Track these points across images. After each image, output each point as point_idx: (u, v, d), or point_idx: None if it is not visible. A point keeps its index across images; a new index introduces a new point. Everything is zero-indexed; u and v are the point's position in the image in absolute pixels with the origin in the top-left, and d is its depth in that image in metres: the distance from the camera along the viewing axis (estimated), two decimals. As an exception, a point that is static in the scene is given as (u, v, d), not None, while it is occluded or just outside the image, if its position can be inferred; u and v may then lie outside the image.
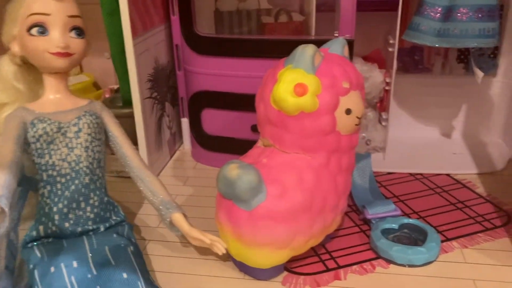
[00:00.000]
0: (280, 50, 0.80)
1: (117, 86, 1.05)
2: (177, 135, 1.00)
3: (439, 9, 0.79)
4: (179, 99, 0.97)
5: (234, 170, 0.56)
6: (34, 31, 0.57)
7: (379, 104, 0.94)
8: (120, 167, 0.80)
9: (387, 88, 0.89)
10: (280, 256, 0.59)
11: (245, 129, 0.87)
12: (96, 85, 1.13)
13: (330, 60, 0.60)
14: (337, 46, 0.63)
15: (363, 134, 0.92)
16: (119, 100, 0.93)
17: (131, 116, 0.83)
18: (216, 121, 0.90)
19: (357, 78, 0.61)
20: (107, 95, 1.03)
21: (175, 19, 0.89)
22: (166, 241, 0.70)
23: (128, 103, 0.91)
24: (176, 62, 0.93)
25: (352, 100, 0.59)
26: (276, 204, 0.57)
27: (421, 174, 0.87)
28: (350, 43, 0.77)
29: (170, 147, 0.96)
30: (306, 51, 0.57)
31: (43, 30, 0.57)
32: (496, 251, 0.66)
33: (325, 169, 0.59)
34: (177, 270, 0.64)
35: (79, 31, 0.60)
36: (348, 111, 0.59)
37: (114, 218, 0.64)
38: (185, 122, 0.98)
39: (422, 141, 0.97)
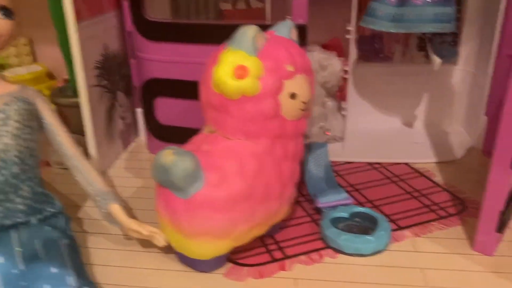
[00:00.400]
0: (230, 34, 0.78)
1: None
2: (132, 127, 0.97)
3: (395, -7, 0.77)
4: (132, 88, 0.93)
5: (169, 156, 0.53)
6: (-45, 9, 0.54)
7: (339, 93, 0.92)
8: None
9: (346, 77, 0.87)
10: (220, 247, 0.57)
11: (200, 118, 0.84)
12: (50, 75, 1.09)
13: (274, 42, 0.57)
14: (284, 29, 0.61)
15: (322, 124, 0.90)
16: (70, 90, 0.90)
17: (79, 106, 0.79)
18: (169, 110, 0.87)
19: (303, 61, 0.59)
20: (60, 85, 0.99)
21: (126, 4, 0.85)
22: (109, 234, 0.67)
23: (78, 92, 0.87)
24: (129, 50, 0.90)
25: (298, 84, 0.57)
26: (214, 192, 0.54)
27: (379, 163, 0.86)
28: (303, 28, 0.75)
29: (123, 138, 0.93)
30: (247, 32, 0.54)
31: None
32: (448, 239, 0.64)
33: (268, 155, 0.57)
34: (116, 263, 0.61)
35: (7, 12, 0.56)
36: (293, 96, 0.56)
37: (48, 209, 0.60)
38: (139, 112, 0.95)
39: (383, 131, 0.96)
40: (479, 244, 0.61)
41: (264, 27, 0.75)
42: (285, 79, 0.55)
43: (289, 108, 0.56)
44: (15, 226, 0.57)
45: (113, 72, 0.87)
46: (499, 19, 0.80)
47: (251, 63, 0.53)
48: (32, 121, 0.59)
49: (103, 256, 0.62)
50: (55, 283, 0.49)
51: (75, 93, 0.88)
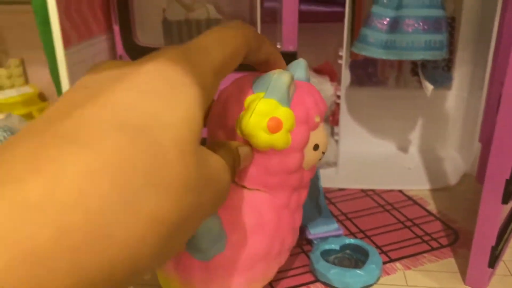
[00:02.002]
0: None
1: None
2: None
3: (386, 20, 0.77)
4: (125, 112, 0.93)
5: None
6: None
7: (331, 118, 0.91)
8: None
9: (338, 101, 0.87)
10: None
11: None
12: (42, 97, 1.08)
13: (301, 89, 0.52)
14: (300, 70, 0.55)
15: (314, 149, 0.89)
16: (60, 113, 0.89)
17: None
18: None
19: (325, 108, 0.54)
20: (50, 108, 0.98)
21: (117, 28, 0.85)
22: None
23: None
24: (120, 74, 0.89)
25: (321, 134, 0.53)
26: (236, 253, 0.50)
27: (373, 190, 0.85)
28: (293, 55, 0.74)
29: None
30: (282, 80, 0.48)
31: None
32: (440, 272, 0.63)
33: (285, 208, 0.53)
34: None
35: None
36: (316, 147, 0.52)
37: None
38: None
39: (376, 156, 0.95)
40: (470, 278, 0.59)
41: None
42: (312, 131, 0.51)
43: (310, 159, 0.52)
44: None
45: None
46: (492, 45, 0.80)
47: (285, 115, 0.48)
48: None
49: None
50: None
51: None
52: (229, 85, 0.53)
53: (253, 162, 0.50)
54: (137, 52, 0.82)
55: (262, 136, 0.48)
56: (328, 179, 0.85)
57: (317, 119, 0.51)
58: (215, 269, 0.50)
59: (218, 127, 0.52)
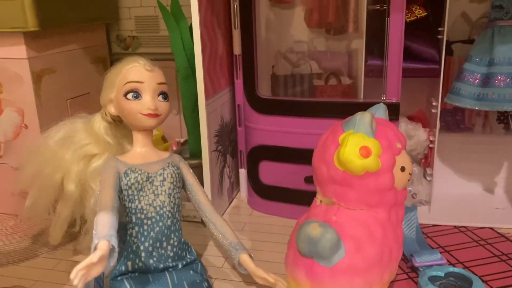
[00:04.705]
0: (331, 110, 0.91)
1: (183, 139, 1.18)
2: (234, 184, 1.11)
3: (478, 75, 0.88)
4: (238, 152, 1.08)
5: (316, 229, 0.61)
6: (130, 96, 0.69)
7: (424, 160, 1.01)
8: (183, 211, 0.90)
9: (431, 145, 0.97)
10: None
11: (298, 180, 0.96)
12: (163, 138, 1.26)
13: (381, 124, 0.68)
14: (381, 111, 0.72)
15: (409, 188, 0.99)
16: (187, 152, 1.05)
17: (197, 167, 0.93)
18: (272, 172, 1.00)
19: (404, 139, 0.70)
20: (174, 147, 1.15)
21: (238, 82, 1.01)
22: (230, 280, 0.78)
23: (194, 155, 1.03)
24: (237, 120, 1.05)
25: (404, 158, 0.67)
26: (354, 258, 0.62)
27: (465, 227, 0.93)
28: (397, 106, 0.86)
29: (229, 194, 1.06)
30: (365, 118, 0.64)
31: (137, 95, 0.69)
32: (540, 302, 0.70)
33: (388, 222, 0.65)
34: (241, 306, 0.72)
35: (165, 96, 0.72)
36: (402, 169, 0.66)
37: (188, 257, 0.73)
38: (242, 172, 1.08)
39: (466, 196, 1.03)
40: None
41: (357, 105, 0.88)
42: (396, 155, 0.65)
43: (400, 179, 0.65)
44: (166, 269, 0.69)
45: (225, 139, 1.02)
46: None
47: (372, 143, 0.63)
48: (179, 182, 0.74)
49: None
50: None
51: (191, 156, 1.04)
52: (325, 132, 0.70)
53: (353, 187, 0.64)
54: (257, 102, 0.97)
55: (357, 162, 0.62)
56: (423, 216, 0.94)
57: (399, 146, 0.66)
58: (338, 273, 0.62)
59: (320, 162, 0.68)
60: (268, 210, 1.01)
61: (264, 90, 1.05)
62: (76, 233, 0.85)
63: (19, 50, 0.91)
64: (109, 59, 1.22)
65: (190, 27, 0.89)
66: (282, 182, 0.99)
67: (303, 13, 1.04)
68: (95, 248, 0.55)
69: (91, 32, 1.14)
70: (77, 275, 0.51)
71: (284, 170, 0.98)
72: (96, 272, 0.53)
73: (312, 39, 1.05)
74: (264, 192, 1.02)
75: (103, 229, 0.58)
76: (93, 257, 0.53)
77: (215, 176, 0.97)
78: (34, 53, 0.93)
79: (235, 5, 0.96)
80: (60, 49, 1.02)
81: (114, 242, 0.56)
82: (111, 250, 0.56)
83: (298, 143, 0.95)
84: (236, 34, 0.98)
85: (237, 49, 1.00)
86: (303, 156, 0.93)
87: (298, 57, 1.08)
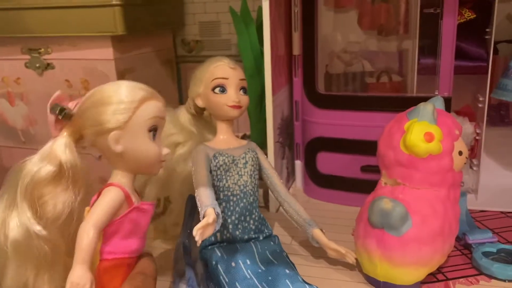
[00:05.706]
0: (386, 104, 1.00)
1: (242, 133, 1.28)
2: (290, 175, 1.20)
3: (524, 72, 0.95)
4: (295, 144, 1.17)
5: (388, 203, 0.71)
6: (217, 90, 0.80)
7: (470, 152, 1.09)
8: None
9: (477, 138, 1.05)
10: (422, 274, 0.73)
11: (354, 169, 1.05)
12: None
13: (441, 113, 0.76)
14: (439, 103, 0.80)
15: (457, 177, 1.06)
16: (248, 144, 1.15)
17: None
18: (329, 162, 1.09)
19: (460, 127, 0.78)
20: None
21: (297, 80, 1.11)
22: (298, 254, 0.87)
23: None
24: (294, 114, 1.15)
25: (461, 144, 0.76)
26: (421, 229, 0.71)
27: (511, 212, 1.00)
28: (449, 100, 0.94)
29: (285, 184, 1.16)
30: (428, 108, 0.73)
31: (223, 89, 0.80)
32: None
33: (447, 200, 0.74)
34: (315, 275, 0.81)
35: (245, 90, 0.82)
36: (460, 153, 0.75)
37: (266, 231, 0.82)
38: (298, 164, 1.18)
39: (510, 185, 1.10)
40: None
41: (410, 99, 0.96)
42: (454, 141, 0.74)
43: (458, 162, 0.74)
44: (250, 240, 0.79)
45: (284, 132, 1.12)
46: None
47: (435, 130, 0.72)
48: (256, 165, 0.83)
49: (305, 270, 0.82)
50: (292, 280, 0.69)
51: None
52: (390, 122, 0.79)
53: (418, 169, 0.73)
54: (317, 98, 1.07)
55: (422, 146, 0.72)
56: (470, 203, 1.01)
57: (457, 132, 0.75)
58: (408, 242, 0.71)
59: (387, 148, 0.76)
60: (325, 197, 1.11)
61: (319, 87, 1.14)
62: (159, 214, 0.96)
63: (107, 52, 1.03)
64: (175, 61, 1.33)
65: (256, 30, 0.99)
66: (339, 171, 1.08)
67: (356, 16, 1.13)
68: (204, 216, 0.66)
69: (161, 36, 1.26)
70: (197, 233, 0.61)
71: (340, 160, 1.07)
72: (208, 232, 0.63)
73: (364, 40, 1.14)
74: (321, 181, 1.11)
75: (207, 199, 0.69)
76: (209, 218, 0.63)
77: (277, 165, 1.06)
78: (119, 54, 1.05)
79: (296, 10, 1.06)
80: (137, 52, 1.14)
81: (218, 209, 0.66)
82: (217, 216, 0.66)
83: (354, 135, 1.04)
84: (296, 36, 1.08)
85: (296, 50, 1.10)
86: (359, 147, 1.03)
87: (351, 57, 1.17)
